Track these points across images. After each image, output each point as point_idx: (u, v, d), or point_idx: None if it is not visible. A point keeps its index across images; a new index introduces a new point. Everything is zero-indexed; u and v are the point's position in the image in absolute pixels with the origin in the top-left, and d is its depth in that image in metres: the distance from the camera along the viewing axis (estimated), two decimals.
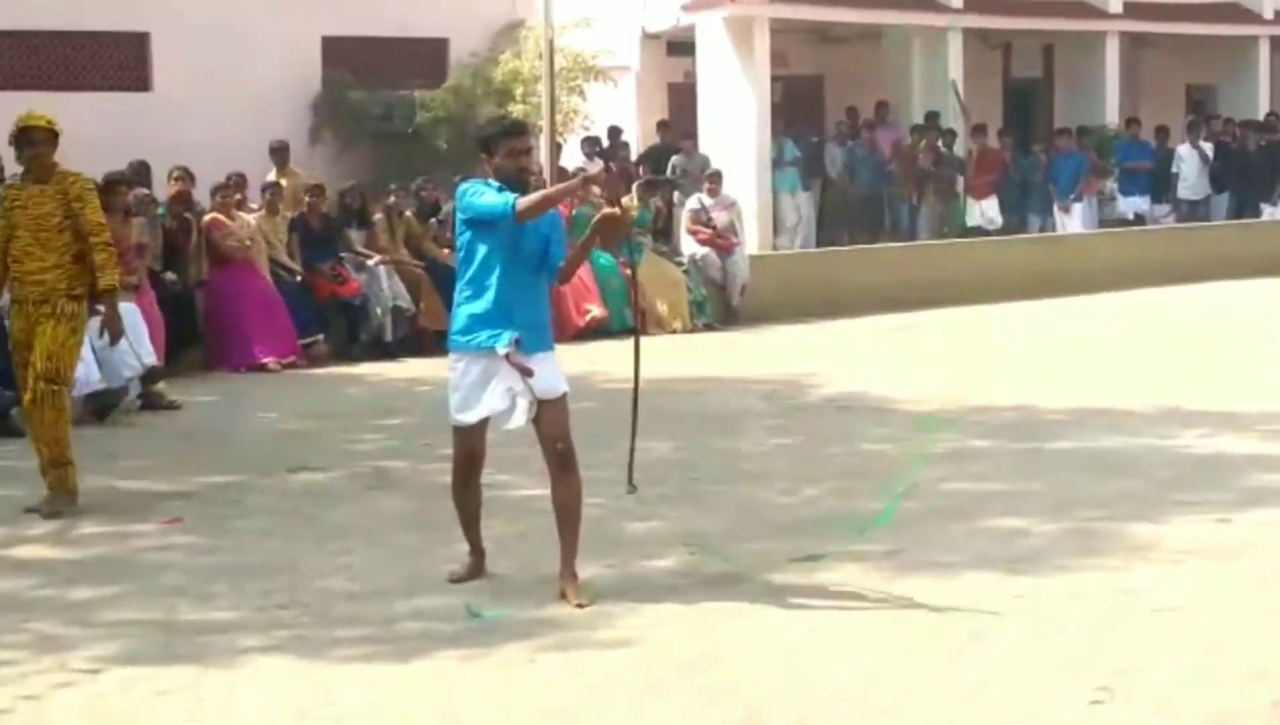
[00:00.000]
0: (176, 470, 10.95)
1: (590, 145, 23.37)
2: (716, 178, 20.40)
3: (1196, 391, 13.13)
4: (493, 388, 7.37)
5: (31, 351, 9.70)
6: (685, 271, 19.48)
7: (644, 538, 8.57)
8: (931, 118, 25.33)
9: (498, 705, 6.02)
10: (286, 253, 17.14)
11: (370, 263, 17.39)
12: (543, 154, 21.33)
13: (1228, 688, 5.93)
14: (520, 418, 7.37)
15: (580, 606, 7.20)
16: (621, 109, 25.35)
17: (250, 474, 10.70)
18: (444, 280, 17.69)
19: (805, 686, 6.09)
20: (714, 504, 9.45)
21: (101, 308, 13.09)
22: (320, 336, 16.89)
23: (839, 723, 5.73)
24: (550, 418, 7.37)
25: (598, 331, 17.92)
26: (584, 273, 17.61)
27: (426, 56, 24.41)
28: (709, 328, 19.13)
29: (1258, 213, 26.57)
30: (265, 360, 16.05)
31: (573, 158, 23.10)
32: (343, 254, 17.56)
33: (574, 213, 18.71)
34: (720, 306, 19.68)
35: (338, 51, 23.73)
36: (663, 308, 18.93)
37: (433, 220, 18.41)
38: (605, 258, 18.81)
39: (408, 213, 18.21)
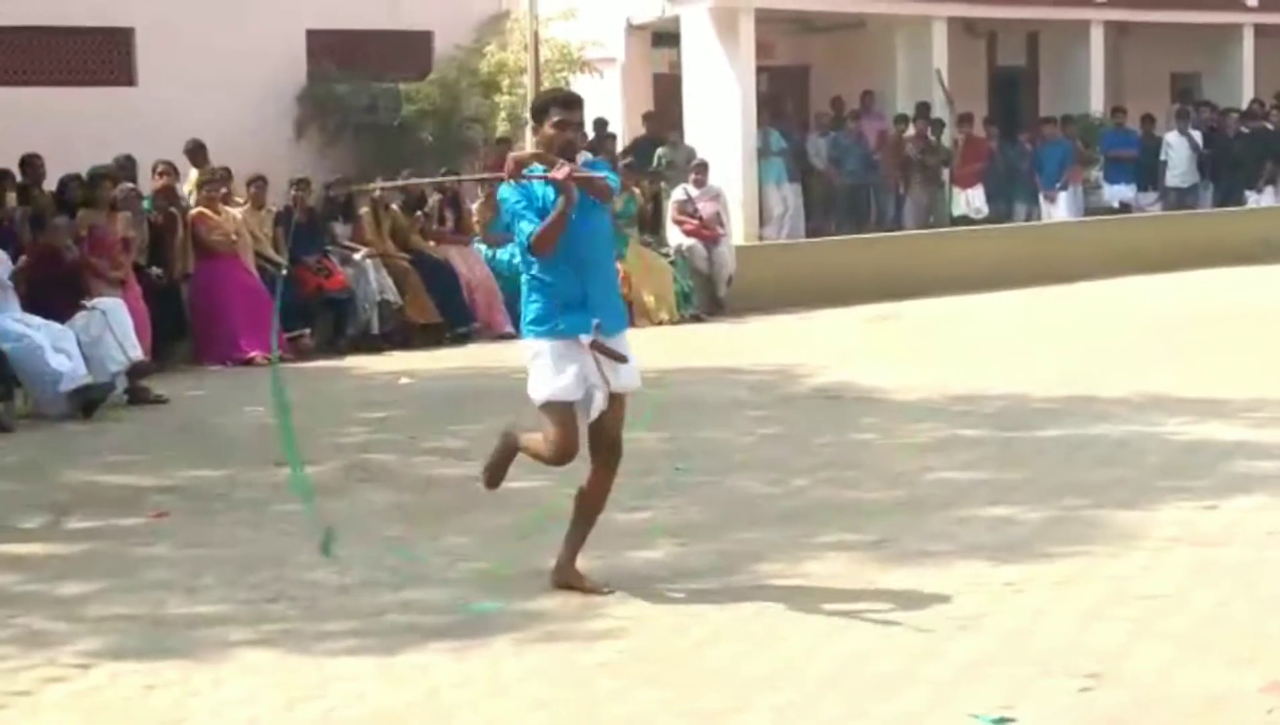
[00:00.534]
0: (163, 465, 10.94)
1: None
2: (702, 169, 20.40)
3: (1183, 379, 13.15)
4: (571, 373, 7.12)
5: None
6: (672, 262, 19.48)
7: (632, 528, 8.56)
8: (921, 109, 25.34)
9: (486, 696, 6.02)
10: (272, 246, 17.12)
11: (356, 256, 17.37)
12: (529, 146, 21.30)
13: (1216, 673, 5.94)
14: (596, 411, 7.17)
15: (609, 591, 7.21)
16: (607, 100, 25.31)
17: (237, 468, 10.70)
18: (430, 273, 17.74)
19: (793, 674, 6.10)
20: (702, 495, 9.45)
21: (87, 304, 13.14)
22: (307, 330, 16.87)
23: (826, 709, 5.73)
24: (615, 410, 7.21)
25: None
26: None
27: (412, 49, 24.41)
28: (696, 319, 19.14)
29: (1242, 201, 26.62)
30: (252, 354, 16.03)
31: None
32: (329, 247, 17.54)
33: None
34: (707, 297, 19.69)
35: (323, 44, 23.72)
36: (649, 299, 18.93)
37: (419, 213, 18.39)
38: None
39: (394, 206, 18.18)
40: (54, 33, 22.24)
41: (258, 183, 17.32)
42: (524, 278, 7.31)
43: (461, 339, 17.64)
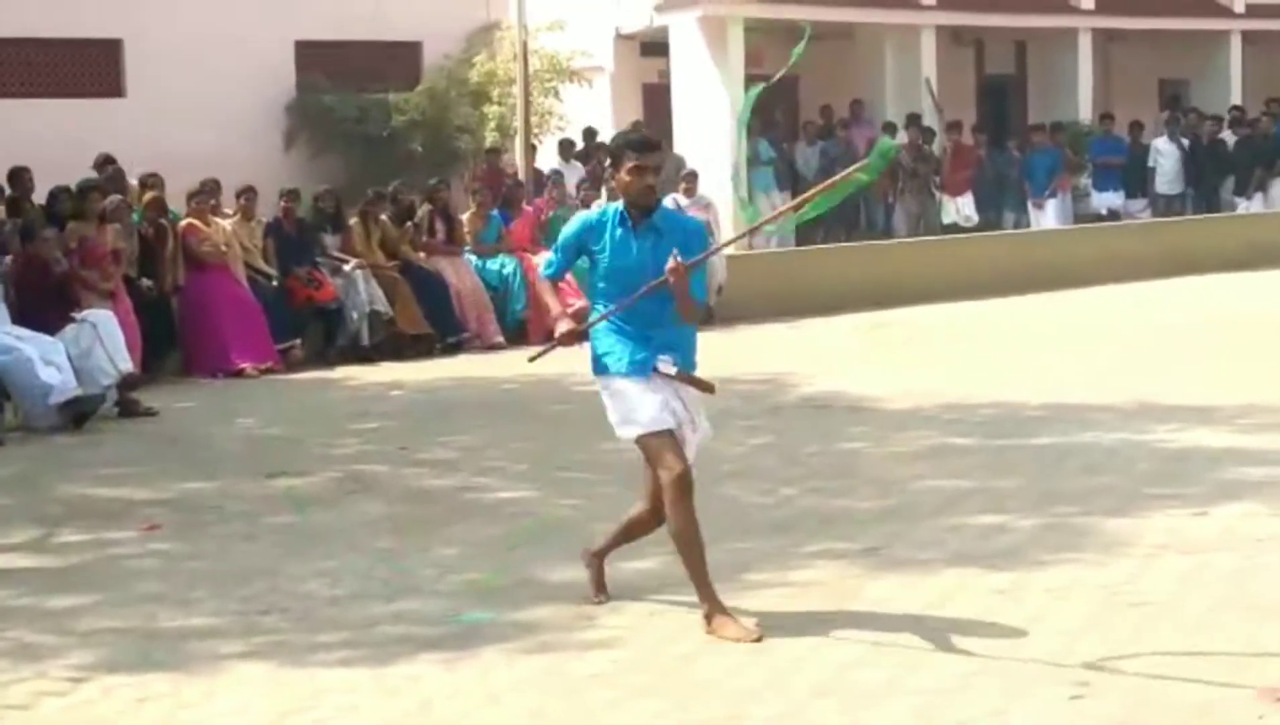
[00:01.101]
0: (155, 477, 10.93)
1: (565, 147, 23.38)
2: (692, 178, 20.42)
3: (1172, 386, 13.16)
4: (663, 405, 6.84)
5: None
6: None
7: None
8: (911, 117, 25.38)
9: (479, 708, 6.02)
10: (262, 258, 17.11)
11: (346, 267, 17.36)
12: (517, 156, 21.36)
13: (1206, 681, 5.96)
14: (691, 450, 6.94)
15: (600, 601, 7.18)
16: (596, 110, 25.36)
17: (229, 480, 10.69)
18: (421, 283, 17.73)
19: (785, 683, 6.11)
20: None
21: (78, 316, 13.14)
22: (297, 341, 16.87)
23: (817, 720, 5.74)
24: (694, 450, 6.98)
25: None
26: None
27: (400, 60, 24.43)
28: None
29: (1231, 206, 26.68)
30: (242, 366, 16.03)
31: (548, 159, 23.12)
32: (318, 259, 17.54)
33: (550, 215, 18.78)
34: None
35: (311, 56, 23.73)
36: None
37: (409, 224, 18.38)
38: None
39: (384, 216, 18.18)
40: (43, 44, 22.24)
41: (247, 194, 17.31)
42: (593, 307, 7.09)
43: (452, 350, 17.64)
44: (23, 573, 8.40)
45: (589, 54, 24.87)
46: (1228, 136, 27.11)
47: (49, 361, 12.88)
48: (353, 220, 17.98)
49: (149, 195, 16.58)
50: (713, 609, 6.80)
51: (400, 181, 19.47)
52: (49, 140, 19.56)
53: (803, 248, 23.40)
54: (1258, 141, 27.14)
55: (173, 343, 16.24)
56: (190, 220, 16.52)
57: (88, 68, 22.85)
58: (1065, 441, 11.04)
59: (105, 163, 17.15)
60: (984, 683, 6.02)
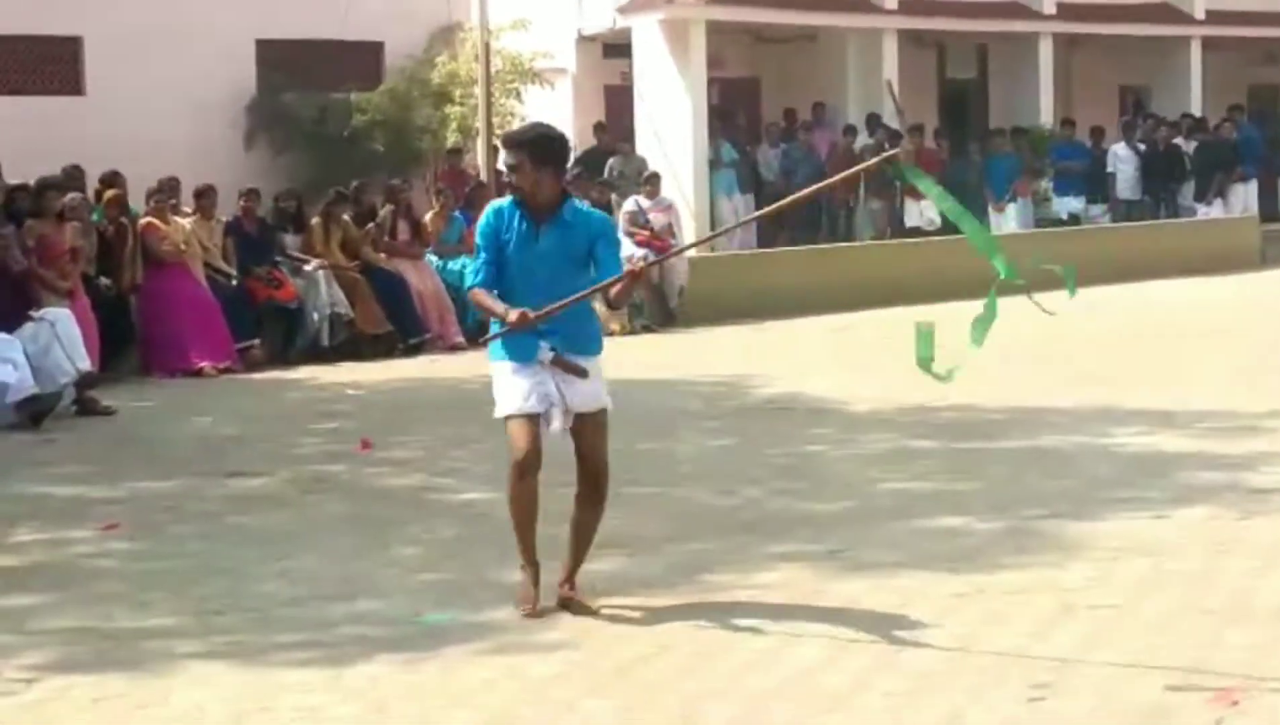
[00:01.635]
0: (112, 476, 10.87)
1: None
2: (654, 180, 20.43)
3: (1132, 390, 13.21)
4: (531, 390, 7.09)
5: None
6: None
7: None
8: (872, 119, 25.43)
9: (437, 708, 5.99)
10: (222, 257, 17.05)
11: (308, 267, 17.31)
12: (480, 156, 21.34)
13: (1164, 682, 5.96)
14: (555, 425, 7.14)
15: (598, 611, 7.16)
16: (558, 111, 25.31)
17: (187, 479, 10.64)
18: (381, 285, 17.69)
19: (743, 685, 6.09)
20: (652, 506, 9.43)
21: (35, 315, 13.06)
22: (256, 341, 16.81)
23: (776, 720, 5.73)
24: (588, 433, 7.20)
25: None
26: None
27: (362, 59, 24.37)
28: (647, 330, 19.13)
29: (1191, 212, 26.81)
30: (201, 365, 15.96)
31: None
32: (279, 259, 17.48)
33: None
34: (659, 309, 19.68)
35: (272, 55, 23.67)
36: (601, 310, 18.86)
37: (371, 224, 18.33)
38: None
39: (345, 217, 18.13)
40: (3, 41, 22.11)
41: (207, 193, 17.24)
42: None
43: (414, 350, 17.60)
44: None
45: (551, 55, 24.86)
46: (1181, 143, 27.25)
47: (6, 359, 12.80)
48: (314, 220, 17.93)
49: (110, 193, 16.51)
50: (524, 574, 7.21)
51: (362, 182, 19.43)
52: (7, 138, 19.44)
53: (765, 250, 23.43)
54: (1217, 147, 27.27)
55: (131, 341, 16.18)
56: (149, 219, 16.45)
57: (47, 65, 22.74)
58: (1026, 445, 11.06)
59: (74, 173, 16.97)
60: (944, 684, 6.02)
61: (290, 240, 17.78)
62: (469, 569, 7.92)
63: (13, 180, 16.03)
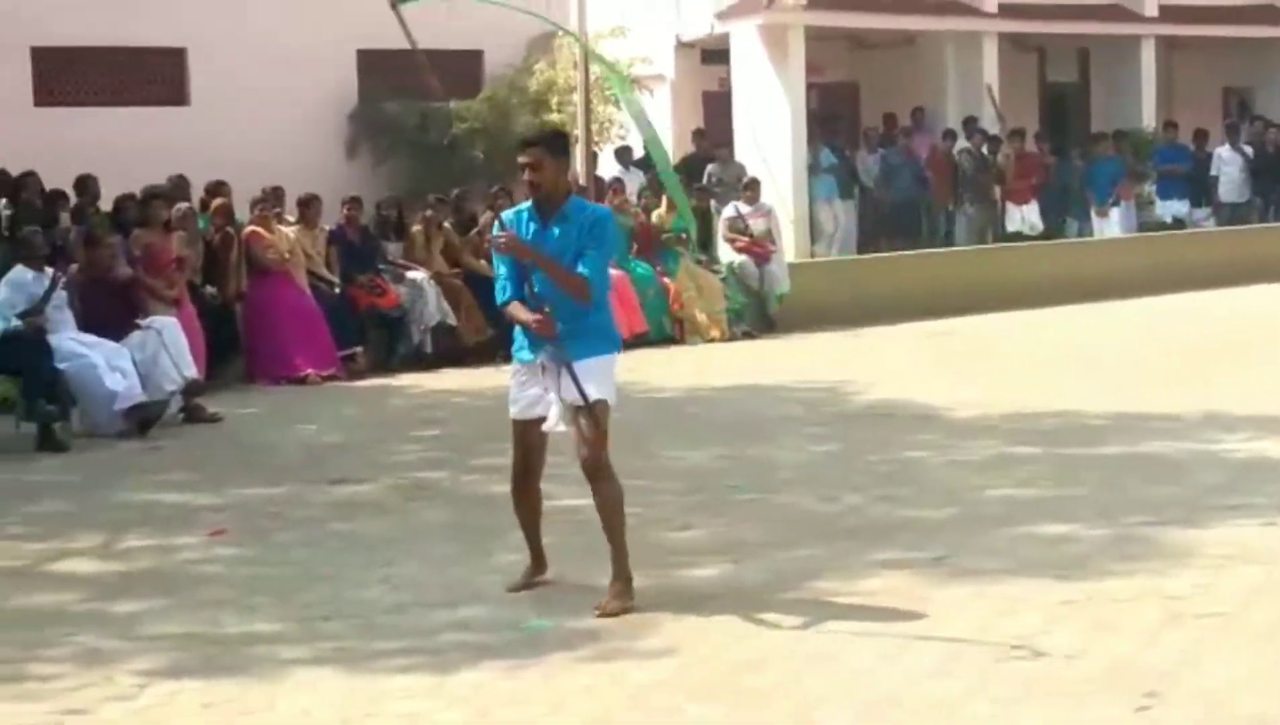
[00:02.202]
0: (219, 483, 10.98)
1: (624, 155, 23.39)
2: (753, 186, 20.40)
3: (1239, 395, 13.04)
4: (518, 395, 7.56)
5: None
6: (723, 280, 19.46)
7: (684, 546, 8.56)
8: (970, 122, 25.27)
9: (541, 715, 6.01)
10: (325, 265, 17.17)
11: (413, 276, 17.38)
12: (578, 164, 21.36)
13: (1273, 692, 5.89)
14: (553, 421, 7.43)
15: (598, 614, 7.21)
16: (656, 118, 25.30)
17: (291, 486, 10.72)
18: (483, 292, 17.71)
19: (851, 692, 6.08)
20: (753, 512, 9.42)
21: (143, 323, 13.24)
22: (359, 348, 16.91)
23: None
24: (578, 425, 7.41)
25: (638, 342, 17.81)
26: (621, 281, 17.57)
27: (462, 68, 24.46)
28: (747, 336, 19.10)
29: None
30: (305, 372, 16.08)
31: (608, 167, 23.13)
32: (381, 266, 17.59)
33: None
34: (758, 314, 19.65)
35: (373, 64, 23.79)
36: (701, 316, 18.91)
37: (473, 232, 18.40)
38: (643, 267, 18.83)
39: (446, 224, 18.22)
40: (108, 53, 22.37)
41: (311, 202, 17.36)
42: None
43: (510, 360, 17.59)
44: (88, 578, 8.46)
45: (650, 61, 24.84)
46: None
47: (115, 368, 12.96)
48: (415, 228, 18.03)
49: (216, 202, 16.68)
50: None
51: (462, 189, 19.53)
52: (115, 148, 19.67)
53: (864, 256, 23.32)
54: None
55: (236, 349, 16.31)
56: (254, 227, 16.58)
57: (153, 76, 22.98)
58: (1131, 451, 10.96)
59: (180, 183, 17.18)
60: (1050, 693, 5.98)
61: (392, 248, 17.89)
62: (570, 575, 7.92)
63: (119, 190, 16.24)
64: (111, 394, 12.84)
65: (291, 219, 17.44)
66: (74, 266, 13.94)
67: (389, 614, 7.45)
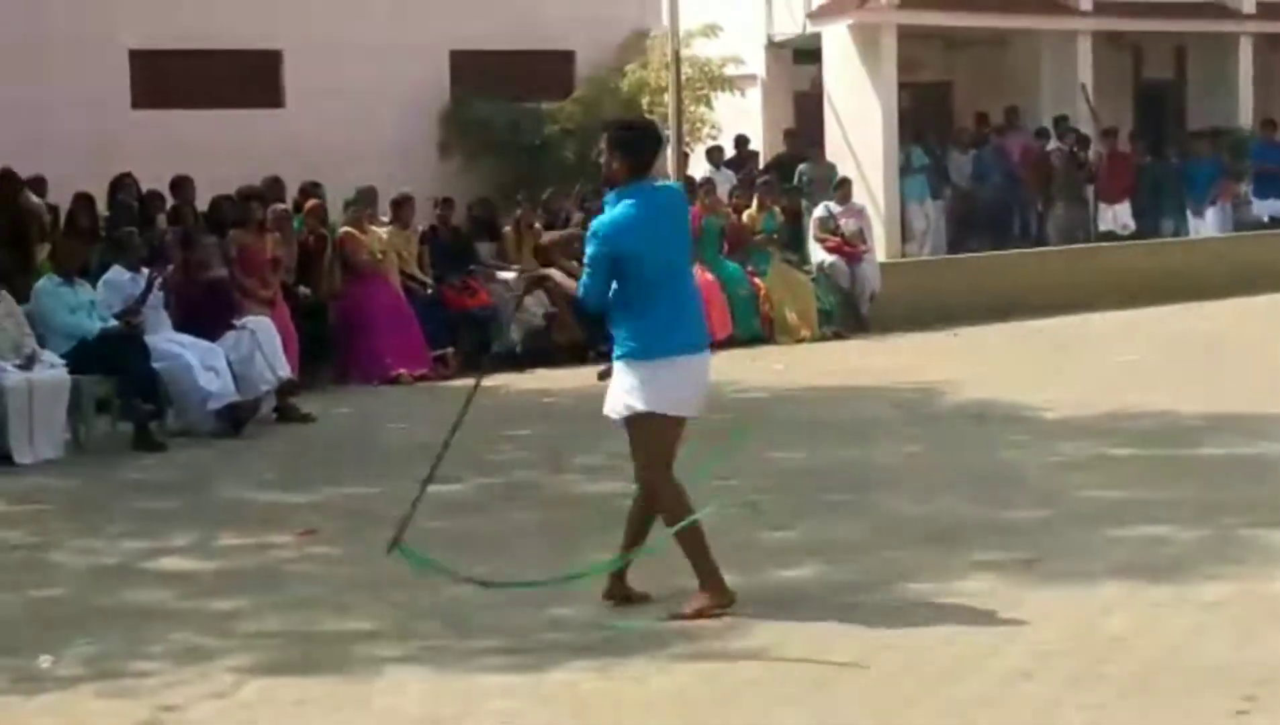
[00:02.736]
0: (312, 482, 11.06)
1: (715, 155, 23.38)
2: (845, 185, 20.36)
3: None
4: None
5: None
6: (814, 280, 19.42)
7: (776, 547, 8.55)
8: (1061, 122, 25.09)
9: (634, 714, 6.02)
10: (418, 266, 17.26)
11: (506, 276, 17.43)
12: (669, 164, 21.37)
13: None
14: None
15: (668, 617, 7.22)
16: (748, 118, 25.29)
17: (385, 485, 10.77)
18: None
19: (942, 694, 6.05)
20: (847, 513, 9.40)
21: (238, 323, 13.36)
22: (451, 349, 16.97)
23: None
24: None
25: (727, 342, 17.78)
26: (710, 284, 17.58)
27: (553, 69, 24.52)
28: (838, 336, 19.04)
29: None
30: (398, 372, 16.16)
31: (699, 167, 23.12)
32: (473, 267, 17.66)
33: (702, 222, 18.74)
34: (849, 315, 19.59)
35: (465, 65, 23.90)
36: (791, 316, 18.87)
37: (566, 231, 18.43)
38: (733, 267, 18.82)
39: (537, 225, 18.26)
40: (204, 56, 22.57)
41: (404, 203, 17.45)
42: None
43: (605, 358, 17.61)
44: (186, 575, 8.54)
45: (741, 61, 24.81)
46: None
47: (209, 367, 13.09)
48: (506, 228, 18.09)
49: (310, 203, 16.80)
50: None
51: (553, 190, 19.58)
52: (210, 150, 19.86)
53: (955, 256, 23.20)
54: None
55: (330, 349, 16.41)
56: (347, 228, 16.69)
57: (248, 78, 23.17)
58: (1228, 452, 10.85)
59: (274, 184, 17.32)
60: (1147, 697, 5.93)
61: (485, 248, 17.95)
62: (659, 576, 7.91)
63: (215, 192, 16.39)
64: (206, 393, 12.97)
65: (385, 220, 17.54)
66: (170, 267, 14.08)
67: (481, 612, 7.47)
